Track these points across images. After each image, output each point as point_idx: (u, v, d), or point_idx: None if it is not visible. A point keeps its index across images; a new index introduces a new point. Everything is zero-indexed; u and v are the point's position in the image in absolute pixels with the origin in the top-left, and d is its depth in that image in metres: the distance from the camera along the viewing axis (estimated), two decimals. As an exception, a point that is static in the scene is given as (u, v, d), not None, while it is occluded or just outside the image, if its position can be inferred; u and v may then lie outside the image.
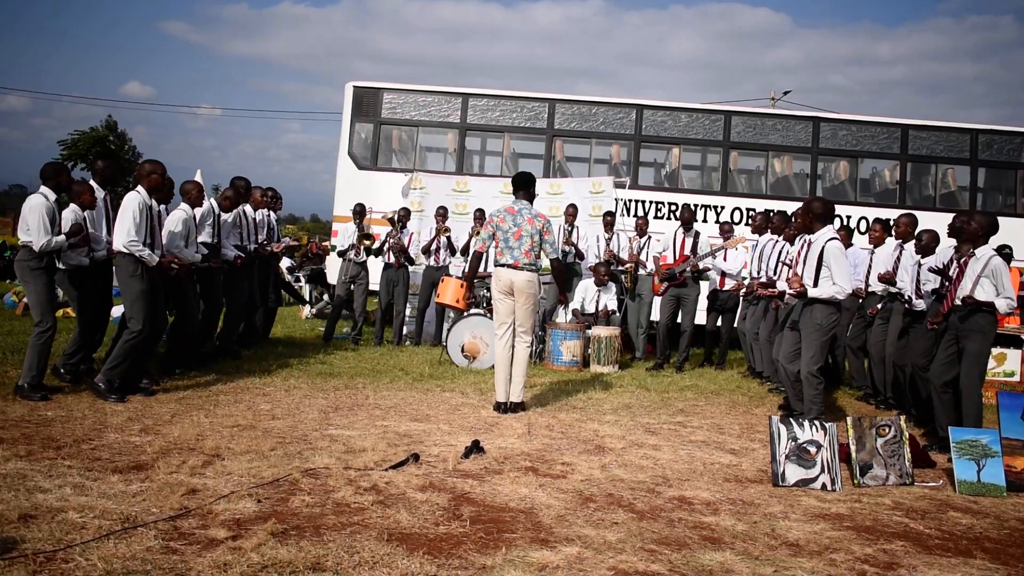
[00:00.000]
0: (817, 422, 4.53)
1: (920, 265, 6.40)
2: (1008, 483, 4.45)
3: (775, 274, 7.23)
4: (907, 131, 11.01)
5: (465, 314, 8.18)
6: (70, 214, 5.83)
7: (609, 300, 9.10)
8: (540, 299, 6.99)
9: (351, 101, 11.17)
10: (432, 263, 9.44)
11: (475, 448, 4.66)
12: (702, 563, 3.16)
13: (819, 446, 4.42)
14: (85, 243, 5.76)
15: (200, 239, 6.77)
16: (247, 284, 7.70)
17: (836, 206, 8.42)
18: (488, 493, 3.92)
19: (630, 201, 10.72)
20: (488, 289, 8.13)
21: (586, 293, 9.13)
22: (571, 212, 9.46)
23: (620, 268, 9.43)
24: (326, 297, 13.12)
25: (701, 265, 8.63)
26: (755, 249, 8.30)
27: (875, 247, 7.37)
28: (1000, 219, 5.88)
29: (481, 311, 8.23)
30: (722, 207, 10.89)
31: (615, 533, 3.44)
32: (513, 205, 6.07)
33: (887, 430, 4.60)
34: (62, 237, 5.52)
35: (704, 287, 9.05)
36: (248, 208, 7.78)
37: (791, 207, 8.68)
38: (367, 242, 9.33)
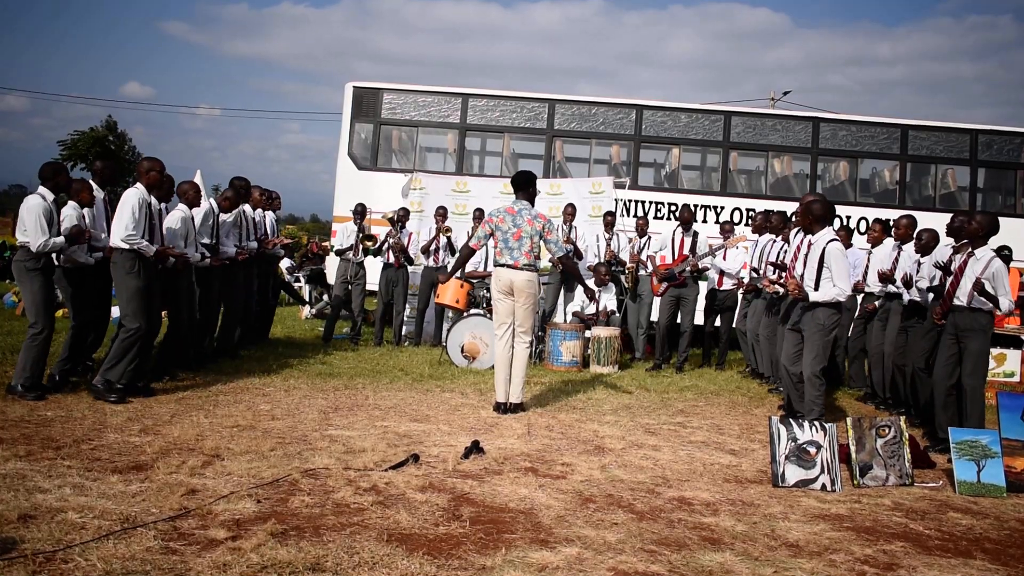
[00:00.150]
0: (817, 423, 4.53)
1: (920, 264, 6.41)
2: (1008, 484, 4.45)
3: (774, 273, 7.24)
4: (907, 131, 11.01)
5: (465, 314, 8.18)
6: (70, 211, 5.82)
7: (609, 300, 9.10)
8: (540, 299, 6.99)
9: (351, 101, 11.17)
10: (431, 263, 9.44)
11: (475, 448, 4.66)
12: (702, 564, 3.16)
13: (819, 447, 4.42)
14: (86, 241, 5.75)
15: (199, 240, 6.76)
16: (245, 285, 7.70)
17: (836, 206, 8.43)
18: (488, 494, 3.92)
19: (630, 201, 10.72)
20: (488, 289, 8.14)
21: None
22: (569, 211, 9.47)
23: (619, 268, 9.43)
24: (326, 297, 13.12)
25: (701, 265, 8.63)
26: (755, 249, 8.31)
27: (873, 247, 7.38)
28: (1000, 219, 5.88)
29: (481, 311, 8.23)
30: (722, 207, 10.89)
31: (615, 534, 3.44)
32: (513, 205, 6.06)
33: (887, 431, 4.60)
34: (60, 239, 5.51)
35: (702, 287, 9.05)
36: (247, 208, 7.78)
37: (791, 207, 8.68)
38: (369, 243, 9.34)
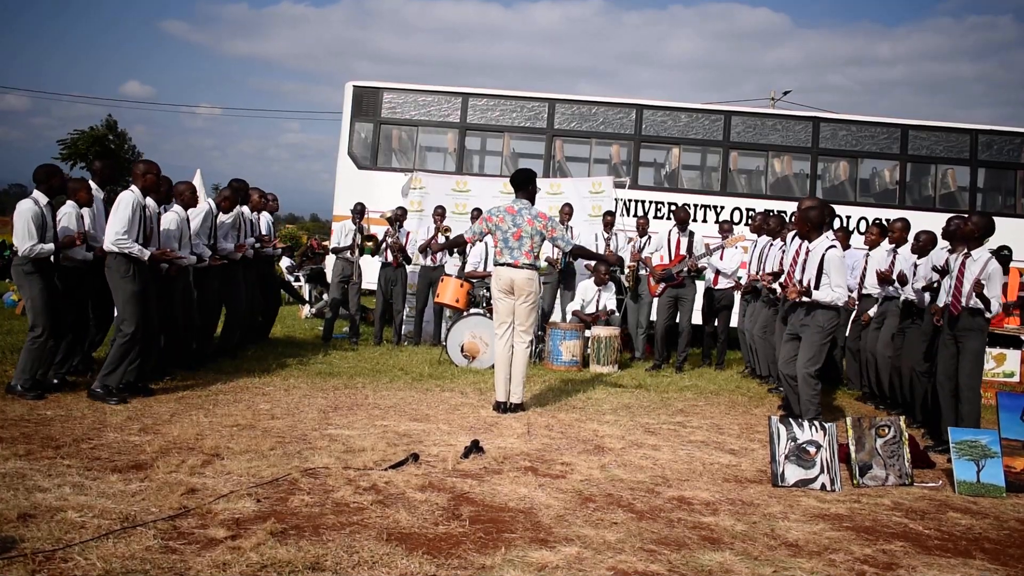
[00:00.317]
0: (816, 422, 4.53)
1: (916, 266, 6.43)
2: (1007, 484, 4.45)
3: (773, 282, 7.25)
4: (907, 131, 11.01)
5: (465, 314, 8.18)
6: (68, 210, 5.82)
7: (609, 300, 9.10)
8: (540, 298, 6.98)
9: (351, 101, 11.16)
10: (429, 263, 9.44)
11: (474, 448, 4.66)
12: (701, 563, 3.16)
13: (818, 446, 4.42)
14: (81, 245, 5.72)
15: (197, 241, 6.75)
16: (246, 287, 7.68)
17: (836, 206, 8.43)
18: (487, 493, 3.92)
19: (630, 201, 10.71)
20: (488, 289, 8.13)
21: (586, 293, 9.13)
22: (567, 211, 9.45)
23: (616, 268, 9.43)
24: (326, 296, 13.12)
25: (699, 264, 8.62)
26: (754, 249, 8.30)
27: (871, 249, 7.40)
28: (1000, 219, 5.89)
29: (481, 311, 8.22)
30: (722, 207, 10.89)
31: (614, 533, 3.44)
32: (513, 205, 6.05)
33: (886, 430, 4.60)
34: (50, 246, 5.45)
35: (699, 286, 9.06)
36: (246, 210, 7.77)
37: (791, 207, 8.69)
38: (369, 243, 9.34)
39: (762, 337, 7.66)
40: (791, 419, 4.56)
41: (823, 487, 4.34)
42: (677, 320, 8.80)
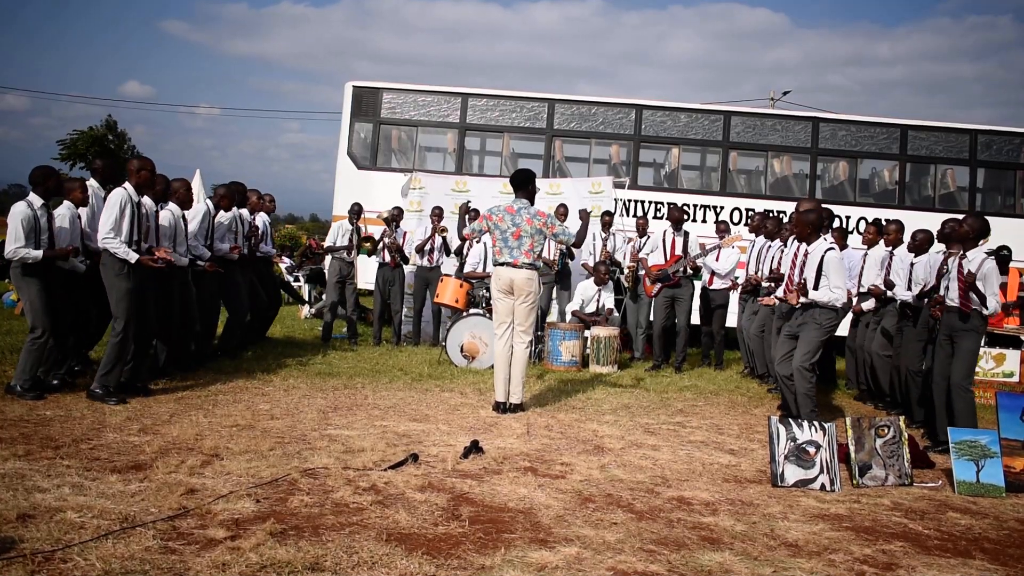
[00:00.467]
0: (816, 422, 4.53)
1: (913, 265, 6.46)
2: (1007, 484, 4.45)
3: (771, 272, 7.27)
4: (906, 131, 11.02)
5: (464, 314, 8.18)
6: (64, 211, 5.81)
7: (608, 300, 9.10)
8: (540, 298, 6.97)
9: (350, 101, 11.17)
10: (425, 263, 9.44)
11: (474, 448, 4.65)
12: (701, 563, 3.16)
13: (818, 446, 4.42)
14: (75, 254, 5.68)
15: (194, 242, 6.73)
16: (246, 288, 7.67)
17: (835, 207, 8.45)
18: (487, 493, 3.92)
19: (629, 201, 10.72)
20: (487, 289, 8.13)
21: (585, 293, 9.13)
22: (562, 212, 9.45)
23: (614, 268, 9.43)
24: (325, 296, 13.13)
25: (697, 263, 8.62)
26: (752, 249, 8.31)
27: (869, 248, 7.42)
28: (1000, 219, 5.91)
29: (480, 311, 8.23)
30: (721, 207, 10.89)
31: (614, 533, 3.44)
32: (512, 204, 6.05)
33: (886, 431, 4.60)
34: (38, 252, 5.41)
35: (696, 286, 9.06)
36: (244, 212, 7.76)
37: (790, 207, 8.69)
38: (367, 245, 9.34)
39: (758, 336, 7.66)
40: (790, 419, 4.56)
41: (823, 487, 4.34)
42: (676, 320, 8.80)
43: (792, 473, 4.38)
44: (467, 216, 6.54)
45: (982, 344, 6.43)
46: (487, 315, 7.92)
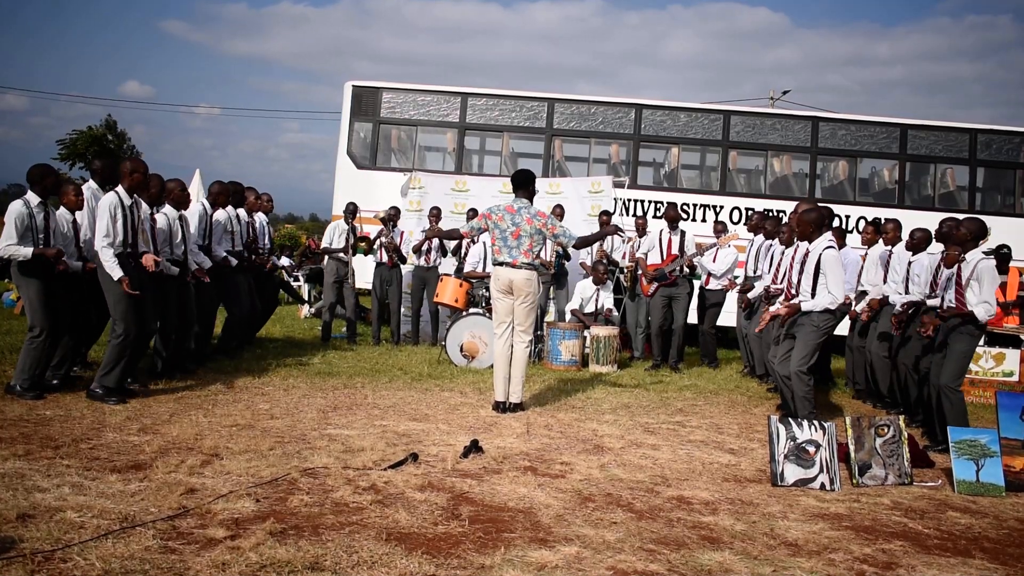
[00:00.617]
0: (816, 422, 4.53)
1: (910, 264, 6.47)
2: (1007, 483, 4.45)
3: (769, 272, 7.28)
4: (906, 131, 11.02)
5: (464, 313, 8.18)
6: (66, 213, 5.81)
7: (607, 299, 9.10)
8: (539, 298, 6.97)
9: (350, 100, 11.17)
10: (422, 263, 9.44)
11: (474, 448, 4.65)
12: (701, 563, 3.16)
13: (818, 446, 4.42)
14: (60, 260, 5.62)
15: (193, 246, 6.71)
16: (247, 289, 7.65)
17: (835, 206, 8.44)
18: (487, 493, 3.92)
19: (629, 201, 10.72)
20: (487, 289, 8.13)
21: (584, 292, 9.13)
22: (558, 213, 9.45)
23: (612, 268, 9.44)
24: (323, 297, 13.13)
25: (693, 262, 8.62)
26: (751, 248, 8.31)
27: (868, 248, 7.43)
28: (1000, 219, 5.91)
29: (480, 310, 8.23)
30: (721, 207, 10.90)
31: (614, 533, 3.44)
32: (512, 204, 6.05)
33: (886, 430, 4.60)
34: (28, 250, 5.38)
35: (695, 285, 9.06)
36: (242, 212, 7.73)
37: (790, 207, 8.69)
38: (363, 244, 9.34)
39: (757, 336, 7.66)
40: (790, 419, 4.56)
41: (822, 486, 4.34)
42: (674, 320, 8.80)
43: (792, 472, 4.38)
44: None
45: (981, 343, 6.44)
46: (487, 314, 7.92)
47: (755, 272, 8.04)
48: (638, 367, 8.72)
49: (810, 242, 5.69)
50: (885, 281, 6.89)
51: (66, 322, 5.72)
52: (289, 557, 2.94)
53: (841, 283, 5.48)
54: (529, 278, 5.95)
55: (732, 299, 8.99)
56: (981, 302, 5.25)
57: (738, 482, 4.40)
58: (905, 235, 6.87)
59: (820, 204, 6.38)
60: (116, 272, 5.44)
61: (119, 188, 5.62)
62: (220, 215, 7.30)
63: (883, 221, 7.38)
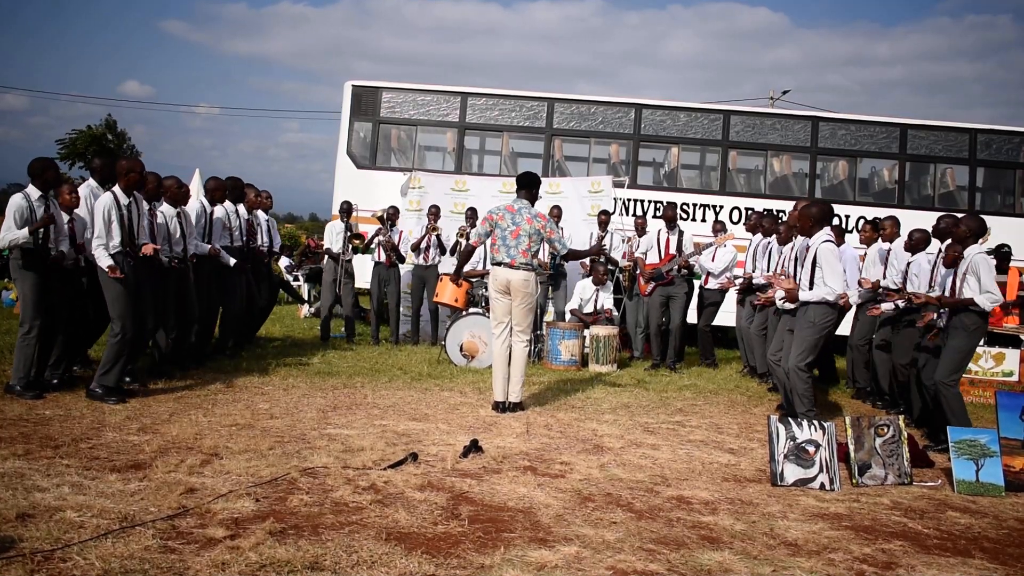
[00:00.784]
0: (816, 421, 4.54)
1: (909, 264, 6.48)
2: (1007, 483, 4.45)
3: (767, 270, 7.28)
4: (906, 131, 11.01)
5: (463, 313, 8.17)
6: (63, 212, 5.80)
7: (607, 299, 9.10)
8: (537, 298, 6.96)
9: (350, 100, 11.17)
10: (421, 262, 9.44)
11: (473, 447, 4.65)
12: (701, 563, 3.16)
13: (818, 446, 4.42)
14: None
15: (195, 241, 6.71)
16: (244, 285, 7.65)
17: (835, 206, 8.44)
18: (486, 492, 3.92)
19: (629, 200, 10.72)
20: (487, 288, 8.13)
21: (584, 292, 9.13)
22: (555, 213, 9.43)
23: (611, 267, 9.43)
24: (321, 296, 13.13)
25: (689, 262, 8.61)
26: (750, 248, 8.31)
27: (867, 246, 7.44)
28: (999, 219, 5.90)
29: (480, 310, 8.22)
30: (721, 206, 10.89)
31: (614, 532, 3.44)
32: (513, 204, 6.05)
33: (885, 430, 4.60)
34: (24, 231, 5.37)
35: (694, 285, 9.05)
36: (242, 209, 7.72)
37: (790, 207, 8.69)
38: (357, 241, 9.33)
39: (759, 335, 7.66)
40: (790, 418, 4.57)
41: (822, 486, 4.34)
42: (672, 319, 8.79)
43: (792, 472, 4.38)
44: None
45: (980, 343, 6.43)
46: (486, 314, 7.92)
47: (754, 271, 8.04)
48: (638, 367, 8.71)
49: (809, 237, 5.68)
50: (884, 278, 6.91)
51: (61, 319, 5.71)
52: (289, 557, 2.94)
53: (838, 276, 5.44)
54: (527, 279, 5.94)
55: (731, 299, 8.99)
56: (983, 292, 5.22)
57: (738, 482, 4.40)
58: (903, 233, 6.88)
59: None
60: (104, 261, 5.44)
61: (115, 188, 5.62)
62: (218, 211, 7.28)
63: (882, 219, 7.38)
